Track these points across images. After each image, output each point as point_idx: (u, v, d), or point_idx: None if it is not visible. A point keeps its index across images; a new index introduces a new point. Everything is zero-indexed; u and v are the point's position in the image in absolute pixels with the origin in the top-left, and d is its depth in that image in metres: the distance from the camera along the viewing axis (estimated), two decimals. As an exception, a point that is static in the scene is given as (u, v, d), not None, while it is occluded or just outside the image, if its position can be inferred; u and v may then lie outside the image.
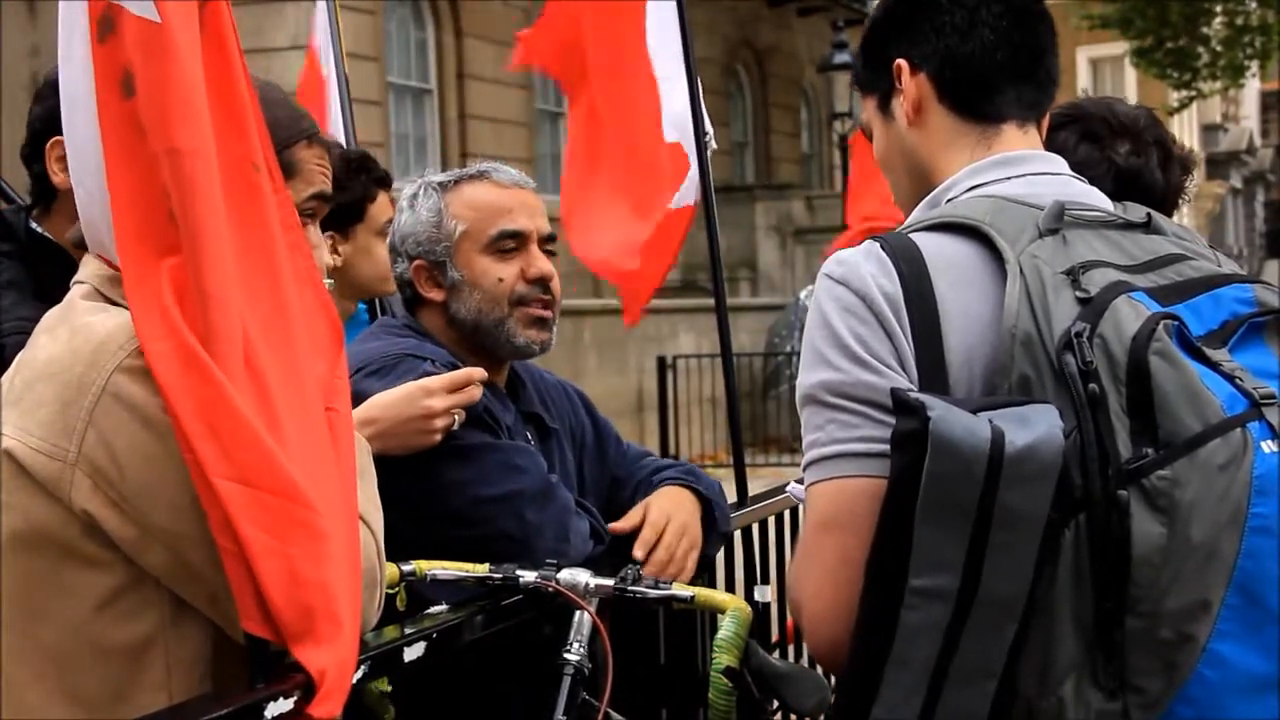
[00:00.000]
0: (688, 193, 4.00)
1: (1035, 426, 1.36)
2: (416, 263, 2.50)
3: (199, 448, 1.53)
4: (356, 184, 3.15)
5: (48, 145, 2.34)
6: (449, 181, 2.53)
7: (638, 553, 2.41)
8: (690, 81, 3.59)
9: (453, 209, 2.50)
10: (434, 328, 2.52)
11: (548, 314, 2.50)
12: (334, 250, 3.12)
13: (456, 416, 2.28)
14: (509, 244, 2.48)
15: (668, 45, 3.74)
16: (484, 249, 2.48)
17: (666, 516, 2.47)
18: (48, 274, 2.30)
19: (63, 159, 2.32)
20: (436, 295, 2.50)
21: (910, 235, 1.58)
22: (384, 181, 3.27)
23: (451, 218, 2.49)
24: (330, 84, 4.12)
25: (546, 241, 2.53)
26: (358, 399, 2.12)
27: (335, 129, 3.95)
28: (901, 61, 1.70)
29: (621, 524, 2.47)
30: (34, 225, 2.42)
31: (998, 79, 1.68)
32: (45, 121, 2.34)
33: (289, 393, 1.64)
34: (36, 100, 2.40)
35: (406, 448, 2.26)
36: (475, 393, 2.30)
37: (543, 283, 2.49)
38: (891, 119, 1.74)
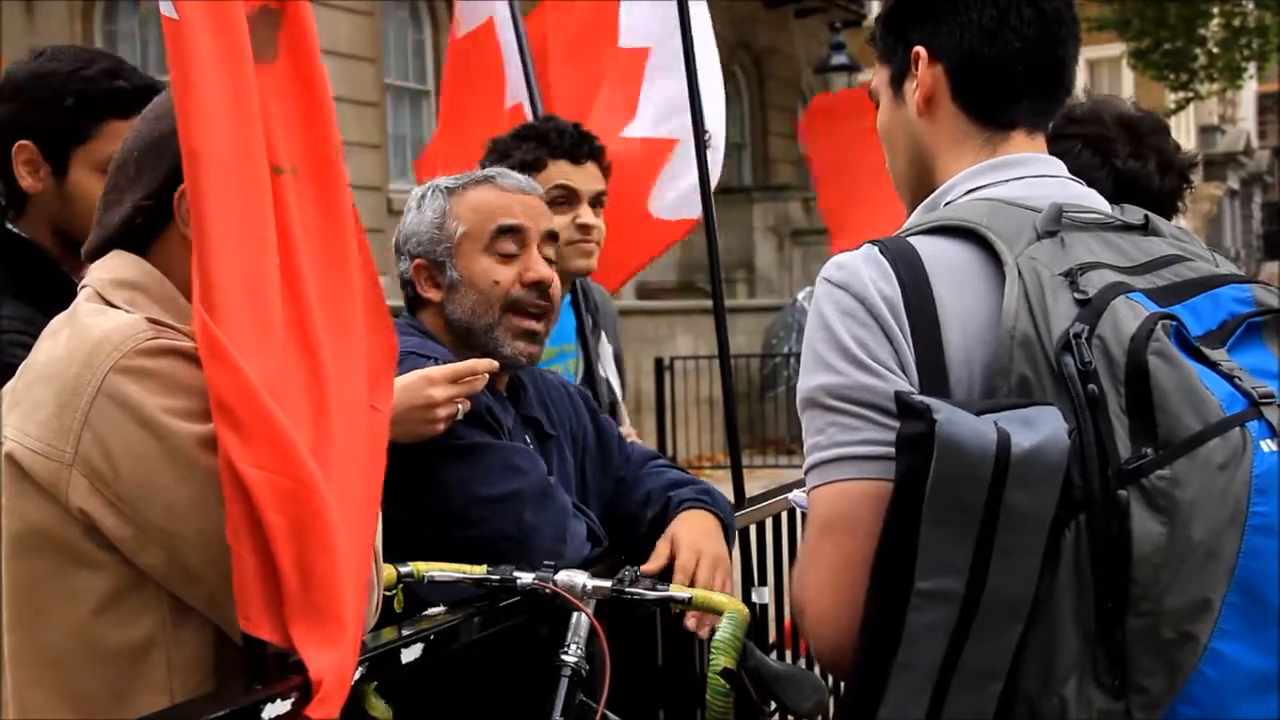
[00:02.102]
0: (687, 203, 3.97)
1: (1040, 428, 1.35)
2: (417, 262, 2.51)
3: (221, 434, 1.54)
4: (519, 152, 3.05)
5: (14, 149, 2.32)
6: (456, 186, 2.54)
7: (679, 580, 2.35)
8: (691, 82, 3.57)
9: (455, 210, 2.50)
10: (434, 329, 2.52)
11: (538, 327, 2.49)
12: None
13: (460, 406, 2.28)
14: (509, 246, 2.47)
15: (667, 42, 3.74)
16: (485, 249, 2.47)
17: (696, 555, 2.40)
18: (27, 274, 2.30)
19: (30, 162, 2.32)
20: (434, 295, 2.50)
21: (908, 239, 1.58)
22: (569, 153, 3.09)
23: (454, 219, 2.49)
24: (513, 66, 3.93)
25: (548, 240, 2.53)
26: None
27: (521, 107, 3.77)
28: (921, 49, 1.67)
29: (651, 565, 2.38)
30: (10, 226, 2.41)
31: (1016, 89, 1.66)
32: (8, 124, 2.33)
33: (344, 386, 1.66)
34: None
35: (410, 436, 2.25)
36: (478, 384, 2.30)
37: (540, 287, 2.48)
38: (902, 100, 1.72)
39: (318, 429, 1.60)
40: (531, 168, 3.03)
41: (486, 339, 2.46)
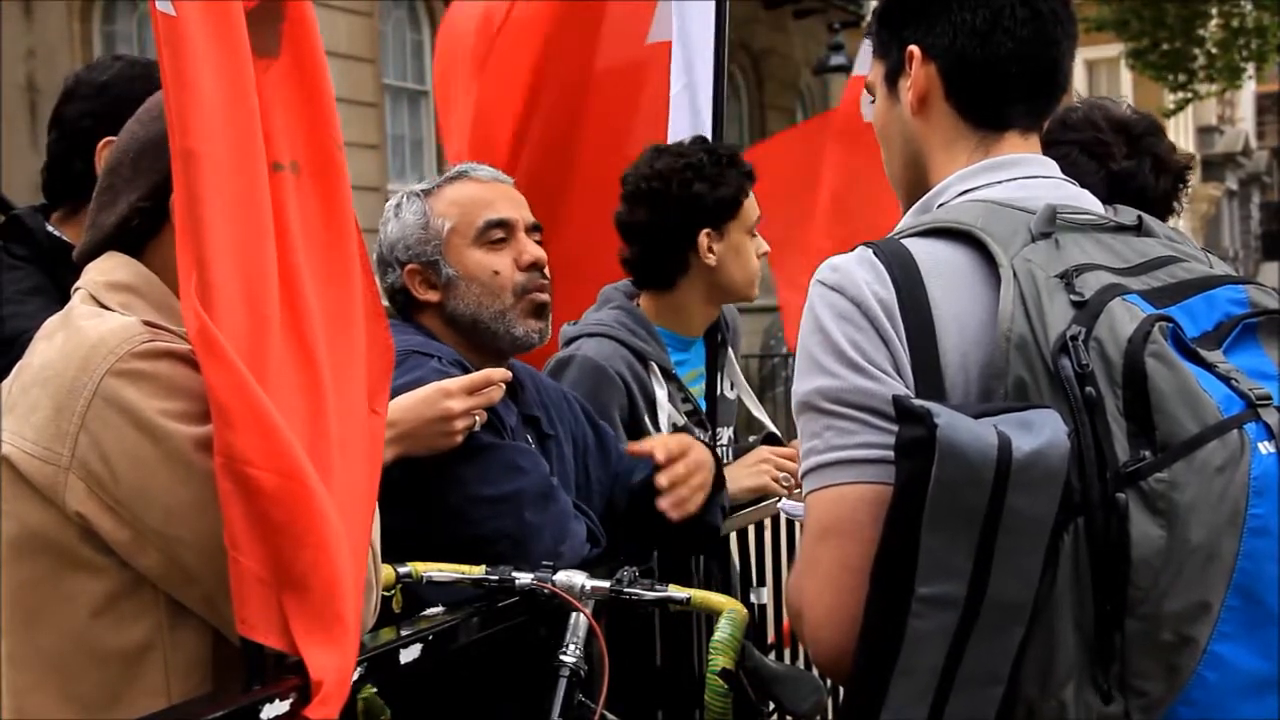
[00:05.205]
0: None
1: (1040, 431, 1.35)
2: (408, 267, 2.51)
3: (218, 431, 1.54)
4: (731, 178, 3.02)
5: (99, 145, 2.31)
6: (430, 187, 2.57)
7: (660, 456, 2.46)
8: (717, 85, 3.58)
9: (437, 209, 2.52)
10: (434, 331, 2.52)
11: (547, 299, 2.53)
12: (709, 250, 3.01)
13: (477, 418, 2.29)
14: (497, 234, 2.50)
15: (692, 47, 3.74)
16: (474, 242, 2.49)
17: (684, 447, 2.50)
18: (64, 277, 2.29)
19: None
20: (432, 296, 2.51)
21: (903, 241, 1.58)
22: (752, 177, 3.10)
23: (437, 216, 2.51)
24: (681, 80, 3.80)
25: (533, 231, 2.55)
26: None
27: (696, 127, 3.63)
28: (914, 49, 1.66)
29: (635, 446, 2.53)
30: (51, 228, 2.40)
31: (1010, 90, 1.65)
32: (95, 120, 2.32)
33: (342, 387, 1.66)
34: (75, 100, 2.37)
35: (428, 449, 2.26)
36: (495, 394, 2.31)
37: (537, 268, 2.51)
38: (897, 98, 1.71)
39: (314, 430, 1.60)
40: (745, 196, 3.04)
41: (497, 324, 2.48)
